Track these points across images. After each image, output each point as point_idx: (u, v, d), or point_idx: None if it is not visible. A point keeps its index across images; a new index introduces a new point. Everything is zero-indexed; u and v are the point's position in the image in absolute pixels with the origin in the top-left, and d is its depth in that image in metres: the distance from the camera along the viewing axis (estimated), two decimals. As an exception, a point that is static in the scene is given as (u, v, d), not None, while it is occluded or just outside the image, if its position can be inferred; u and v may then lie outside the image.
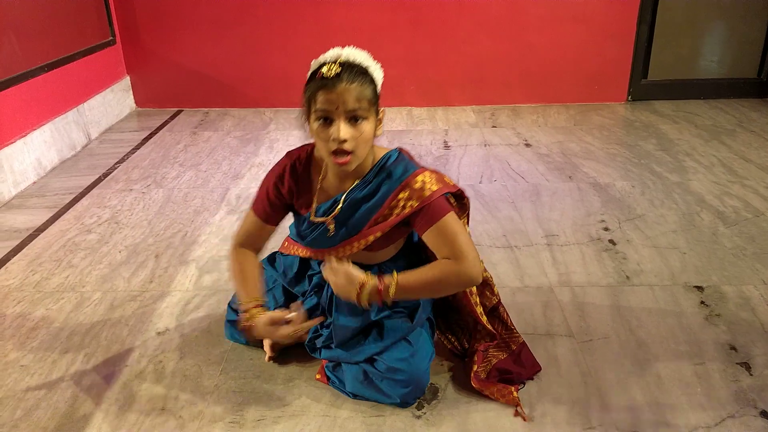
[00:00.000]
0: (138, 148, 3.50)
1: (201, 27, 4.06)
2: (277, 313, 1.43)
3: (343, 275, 1.40)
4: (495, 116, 3.98)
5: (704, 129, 3.62)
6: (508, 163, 3.19)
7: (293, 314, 1.43)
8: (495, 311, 1.71)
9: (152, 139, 3.66)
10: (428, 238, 1.42)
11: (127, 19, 4.05)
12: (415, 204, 1.40)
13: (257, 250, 1.61)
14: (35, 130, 3.10)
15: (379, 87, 1.38)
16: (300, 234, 1.56)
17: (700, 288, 2.03)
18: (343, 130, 1.30)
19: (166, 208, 2.72)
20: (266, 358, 1.70)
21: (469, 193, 2.73)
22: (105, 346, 1.81)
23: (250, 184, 2.97)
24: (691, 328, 1.82)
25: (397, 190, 1.42)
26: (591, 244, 2.34)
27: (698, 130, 3.60)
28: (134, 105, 4.27)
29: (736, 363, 1.67)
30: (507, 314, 1.72)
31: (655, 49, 4.11)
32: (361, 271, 1.41)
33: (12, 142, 2.92)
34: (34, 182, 3.06)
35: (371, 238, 1.46)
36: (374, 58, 1.41)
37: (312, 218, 1.49)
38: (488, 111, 4.10)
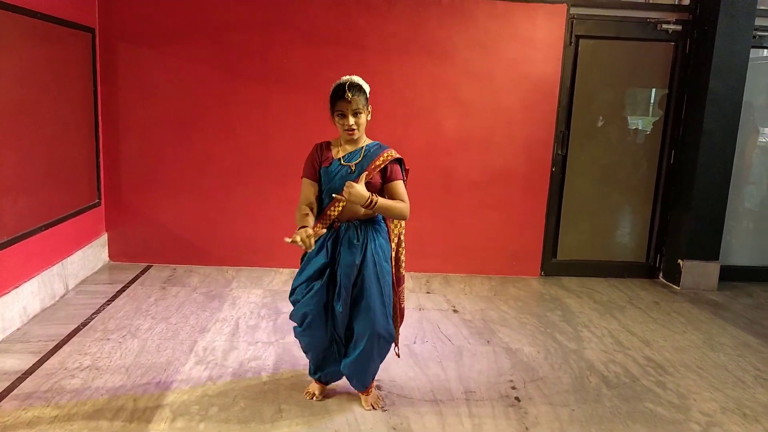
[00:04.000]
0: (112, 300, 3.93)
1: (179, 192, 4.69)
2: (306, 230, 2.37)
3: (359, 187, 2.42)
4: (429, 283, 4.63)
5: (601, 304, 4.34)
6: (438, 326, 3.76)
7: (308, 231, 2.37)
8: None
9: (125, 292, 4.10)
10: (389, 187, 2.57)
11: (113, 183, 4.65)
12: (389, 157, 2.56)
13: (312, 205, 2.58)
14: (26, 282, 3.52)
15: (368, 95, 2.53)
16: (329, 179, 2.55)
17: (581, 438, 2.56)
18: (351, 120, 2.48)
19: (141, 357, 3.13)
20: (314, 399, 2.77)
21: (404, 351, 3.27)
22: (94, 476, 2.16)
23: (216, 337, 3.42)
24: (571, 471, 2.33)
25: (382, 153, 2.56)
26: (501, 400, 2.86)
27: (596, 304, 4.33)
28: (108, 259, 4.73)
29: (602, 498, 2.18)
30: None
31: (562, 234, 4.97)
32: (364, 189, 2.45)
33: (6, 293, 3.33)
34: (18, 328, 3.41)
35: (370, 175, 2.50)
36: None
37: (342, 163, 2.55)
38: (424, 278, 4.76)
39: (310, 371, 2.79)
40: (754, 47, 4.71)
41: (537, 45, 4.65)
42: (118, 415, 2.56)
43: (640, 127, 5.04)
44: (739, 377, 3.24)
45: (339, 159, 2.56)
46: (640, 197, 5.05)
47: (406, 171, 2.68)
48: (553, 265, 4.97)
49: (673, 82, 4.86)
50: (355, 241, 2.54)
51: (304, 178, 2.61)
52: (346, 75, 2.58)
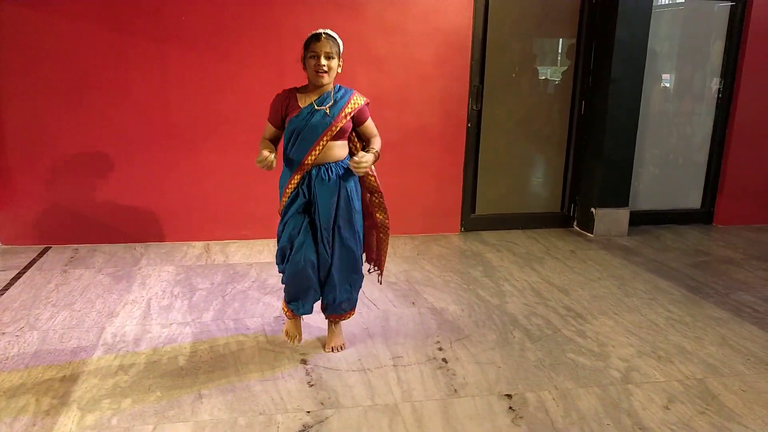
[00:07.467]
0: (6, 289, 3.59)
1: (75, 165, 4.31)
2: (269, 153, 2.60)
3: (365, 155, 2.65)
4: (351, 247, 4.52)
5: (520, 256, 4.41)
6: (363, 291, 3.66)
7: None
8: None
9: (21, 278, 3.76)
10: (363, 128, 2.78)
11: (-3, 161, 4.21)
12: (360, 102, 2.71)
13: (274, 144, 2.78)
14: None
15: (341, 49, 2.65)
16: (300, 124, 2.62)
17: (509, 396, 2.58)
18: (323, 61, 2.57)
19: (42, 351, 2.87)
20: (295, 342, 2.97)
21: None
22: (-8, 491, 1.95)
23: (126, 321, 3.19)
24: (501, 429, 2.34)
25: (352, 96, 2.70)
26: (428, 363, 2.84)
27: (515, 257, 4.39)
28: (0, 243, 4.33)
29: (532, 455, 2.19)
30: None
31: (480, 189, 4.98)
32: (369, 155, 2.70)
33: None
34: None
35: (342, 121, 2.64)
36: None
37: (315, 107, 2.63)
38: (345, 242, 4.65)
39: (285, 299, 2.90)
40: (656, -5, 4.80)
41: (448, -4, 4.53)
42: (18, 419, 2.33)
43: (549, 77, 5.07)
44: (653, 320, 3.38)
45: (312, 104, 2.64)
46: (553, 148, 5.13)
47: (368, 104, 2.81)
48: (473, 220, 5.00)
49: (582, 32, 4.90)
50: (328, 181, 2.67)
51: (268, 122, 2.75)
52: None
